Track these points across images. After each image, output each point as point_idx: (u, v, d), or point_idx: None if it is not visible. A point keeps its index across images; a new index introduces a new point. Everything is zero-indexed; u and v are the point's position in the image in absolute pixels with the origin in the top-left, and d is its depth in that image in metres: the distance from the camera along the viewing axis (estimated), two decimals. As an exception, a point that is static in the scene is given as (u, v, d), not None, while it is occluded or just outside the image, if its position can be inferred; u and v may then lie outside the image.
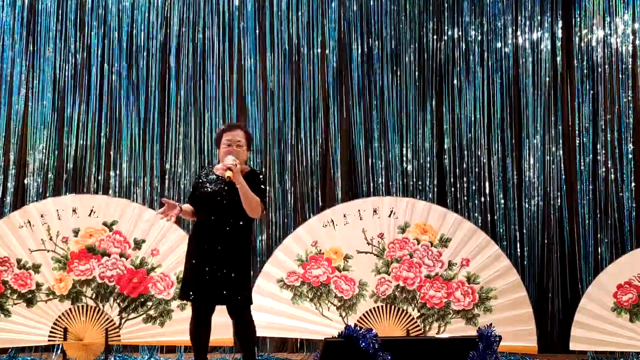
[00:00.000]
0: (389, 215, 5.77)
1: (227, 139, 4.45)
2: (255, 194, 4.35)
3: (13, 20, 6.72)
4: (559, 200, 6.57)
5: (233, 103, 6.74)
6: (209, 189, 4.42)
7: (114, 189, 6.60)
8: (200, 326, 4.43)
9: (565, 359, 6.09)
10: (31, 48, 6.73)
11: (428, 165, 6.65)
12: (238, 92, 6.76)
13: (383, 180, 6.63)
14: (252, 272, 6.15)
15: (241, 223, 4.38)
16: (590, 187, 6.51)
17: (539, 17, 6.72)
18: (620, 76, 6.56)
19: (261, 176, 4.52)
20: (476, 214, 6.57)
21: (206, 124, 6.72)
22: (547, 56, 6.69)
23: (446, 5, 6.80)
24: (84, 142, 6.66)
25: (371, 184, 6.63)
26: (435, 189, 6.63)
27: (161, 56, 6.76)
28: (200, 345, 4.47)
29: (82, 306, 5.59)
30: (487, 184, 6.62)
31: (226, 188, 4.38)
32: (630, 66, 6.55)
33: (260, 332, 5.63)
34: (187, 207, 4.51)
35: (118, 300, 5.60)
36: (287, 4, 6.80)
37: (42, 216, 5.65)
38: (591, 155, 6.55)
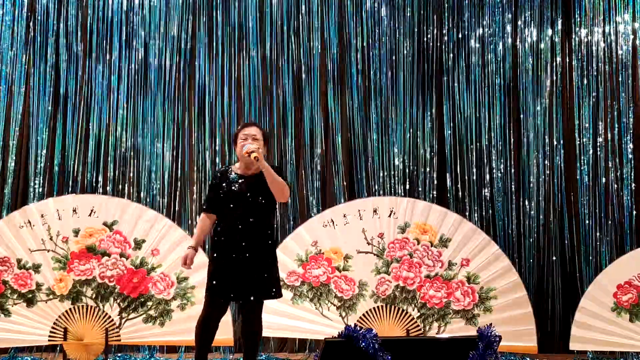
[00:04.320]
0: (389, 215, 5.77)
1: (243, 134, 4.49)
2: None
3: (13, 19, 6.72)
4: (559, 200, 6.57)
5: (232, 104, 6.74)
6: (231, 188, 4.44)
7: (116, 189, 6.60)
8: (211, 325, 4.44)
9: (565, 359, 6.09)
10: (31, 47, 6.73)
11: (428, 165, 6.65)
12: (237, 92, 6.76)
13: (383, 180, 6.63)
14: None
15: (264, 217, 4.43)
16: (590, 187, 6.51)
17: (538, 17, 6.72)
18: (620, 76, 6.56)
19: (278, 167, 4.63)
20: (476, 214, 6.57)
21: (206, 125, 6.71)
22: (547, 56, 6.69)
23: (446, 4, 6.80)
24: (85, 142, 6.66)
25: (371, 184, 6.63)
26: (435, 189, 6.63)
27: (162, 56, 6.76)
28: (205, 345, 4.49)
29: (82, 306, 5.59)
30: (487, 183, 6.62)
31: (247, 185, 4.43)
32: (630, 66, 6.55)
33: (260, 332, 5.67)
34: (201, 230, 4.58)
35: (118, 300, 5.60)
36: (287, 3, 6.80)
37: (42, 216, 5.66)
38: (591, 155, 6.55)
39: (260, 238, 4.39)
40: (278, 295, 4.48)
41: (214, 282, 4.38)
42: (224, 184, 4.48)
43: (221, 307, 4.46)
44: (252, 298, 4.36)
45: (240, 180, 4.46)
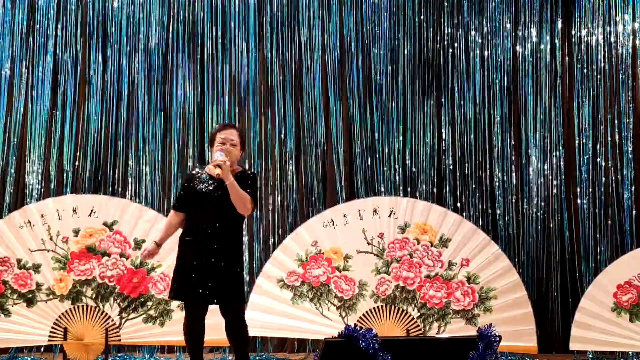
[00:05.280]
0: (389, 215, 5.77)
1: (220, 138, 4.47)
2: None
3: (12, 19, 6.72)
4: (558, 200, 6.57)
5: (232, 104, 6.75)
6: (200, 188, 4.43)
7: (117, 189, 6.60)
8: (194, 326, 4.42)
9: (565, 359, 6.09)
10: (31, 47, 6.73)
11: (428, 165, 6.65)
12: (238, 93, 6.76)
13: (383, 180, 6.63)
14: (250, 272, 6.24)
15: (231, 221, 4.38)
16: (590, 187, 6.51)
17: (538, 17, 6.72)
18: (620, 76, 6.57)
19: (252, 176, 4.53)
20: (476, 214, 6.57)
21: (205, 126, 6.71)
22: (546, 56, 6.69)
23: (446, 4, 6.80)
24: (85, 142, 6.66)
25: (371, 184, 6.63)
26: (435, 189, 6.64)
27: (162, 55, 6.77)
28: (195, 345, 4.46)
29: (82, 306, 5.59)
30: (487, 184, 6.62)
31: (217, 186, 4.39)
32: (630, 66, 6.56)
33: (260, 332, 5.67)
34: (168, 227, 4.59)
35: (118, 300, 5.60)
36: (287, 4, 6.81)
37: (42, 216, 5.65)
38: (591, 156, 6.55)
39: (226, 240, 4.35)
40: (241, 300, 4.43)
41: (176, 283, 4.38)
42: (194, 184, 4.47)
43: (199, 306, 4.39)
44: (214, 302, 4.33)
45: (210, 181, 4.44)
